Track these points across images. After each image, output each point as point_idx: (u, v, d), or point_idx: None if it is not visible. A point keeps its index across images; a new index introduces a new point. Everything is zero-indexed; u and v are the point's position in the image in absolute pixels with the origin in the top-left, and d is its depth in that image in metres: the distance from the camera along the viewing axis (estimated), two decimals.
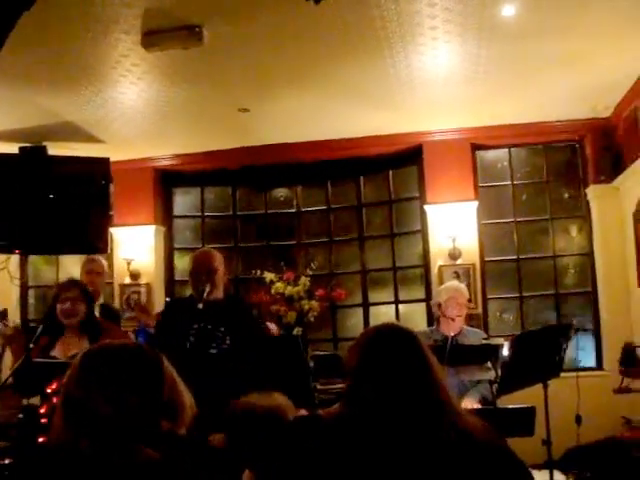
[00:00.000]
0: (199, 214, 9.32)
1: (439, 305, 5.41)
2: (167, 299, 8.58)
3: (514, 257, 8.39)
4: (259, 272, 8.58)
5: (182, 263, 9.19)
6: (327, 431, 2.26)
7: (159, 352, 1.99)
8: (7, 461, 3.92)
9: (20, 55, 5.44)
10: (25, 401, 4.39)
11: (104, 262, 6.68)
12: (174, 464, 1.79)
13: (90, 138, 7.95)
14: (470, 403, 4.89)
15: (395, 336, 2.35)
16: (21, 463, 3.74)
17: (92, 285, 5.80)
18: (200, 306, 4.41)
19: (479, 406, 4.78)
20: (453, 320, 5.27)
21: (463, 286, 5.69)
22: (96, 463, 1.74)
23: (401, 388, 2.20)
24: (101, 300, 6.56)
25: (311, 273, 8.65)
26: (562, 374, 4.86)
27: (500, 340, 5.11)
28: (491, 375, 4.70)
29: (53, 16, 4.97)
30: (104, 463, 1.74)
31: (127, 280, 8.78)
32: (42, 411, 4.18)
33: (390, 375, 2.22)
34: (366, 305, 8.81)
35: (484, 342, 5.19)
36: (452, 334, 5.04)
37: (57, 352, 4.63)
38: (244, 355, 4.21)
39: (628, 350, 4.20)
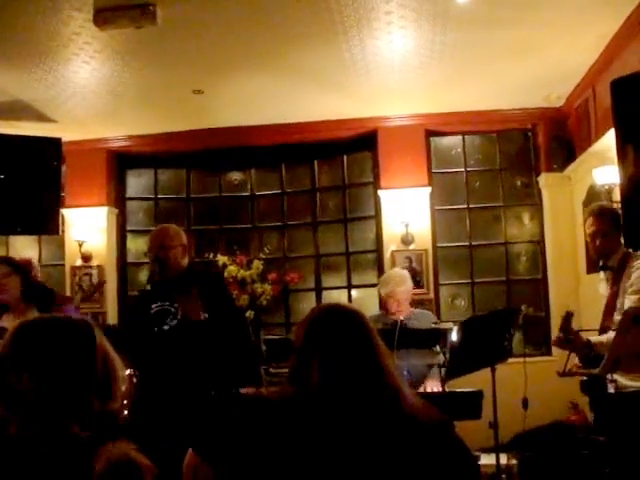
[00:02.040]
0: (152, 196, 9.24)
1: (382, 296, 5.43)
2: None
3: (466, 243, 8.47)
4: (212, 255, 8.54)
5: (135, 245, 9.12)
6: (270, 410, 2.26)
7: (92, 324, 1.96)
8: None
9: None
10: None
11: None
12: (104, 442, 1.76)
13: (41, 117, 7.82)
14: (432, 385, 4.94)
15: (341, 316, 2.35)
16: None
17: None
18: (148, 287, 4.40)
19: (439, 388, 4.79)
20: (393, 314, 5.29)
21: (404, 277, 5.57)
22: (22, 442, 1.72)
23: (345, 369, 2.19)
24: None
25: (264, 257, 8.65)
26: (510, 359, 4.92)
27: (449, 324, 5.14)
28: (440, 359, 4.75)
29: None
30: (31, 442, 1.72)
31: (79, 262, 8.68)
32: None
33: (335, 355, 2.21)
34: (319, 289, 8.83)
35: (433, 326, 5.21)
36: (401, 318, 5.07)
37: (8, 324, 4.56)
38: (196, 330, 4.17)
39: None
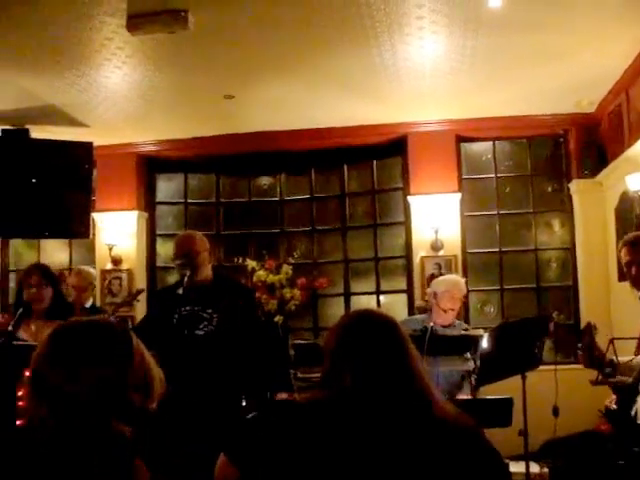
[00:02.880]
0: (182, 200, 9.28)
1: (435, 294, 5.39)
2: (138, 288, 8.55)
3: (496, 250, 8.41)
4: (241, 260, 8.56)
5: (164, 249, 9.16)
6: (302, 416, 2.26)
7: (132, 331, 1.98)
8: None
9: (4, 37, 5.40)
10: None
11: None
12: (146, 439, 1.79)
13: (73, 122, 7.89)
14: (462, 391, 4.91)
15: (373, 321, 2.35)
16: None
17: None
18: (180, 291, 4.42)
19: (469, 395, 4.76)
20: (445, 312, 5.26)
21: (463, 282, 5.64)
22: (65, 441, 1.73)
23: (376, 374, 2.19)
24: (89, 303, 6.54)
25: (293, 262, 8.65)
26: (541, 367, 4.88)
27: (479, 331, 5.12)
28: (470, 366, 4.72)
29: None
30: (74, 440, 1.73)
31: (109, 266, 8.74)
32: (19, 394, 4.17)
33: (366, 360, 2.21)
34: (347, 295, 8.82)
35: (463, 333, 5.19)
36: (442, 325, 5.06)
37: (27, 336, 4.60)
38: (229, 338, 4.20)
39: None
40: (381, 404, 2.16)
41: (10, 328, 4.55)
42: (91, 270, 6.93)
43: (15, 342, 4.41)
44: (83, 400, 1.76)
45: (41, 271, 4.84)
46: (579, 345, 4.12)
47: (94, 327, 1.91)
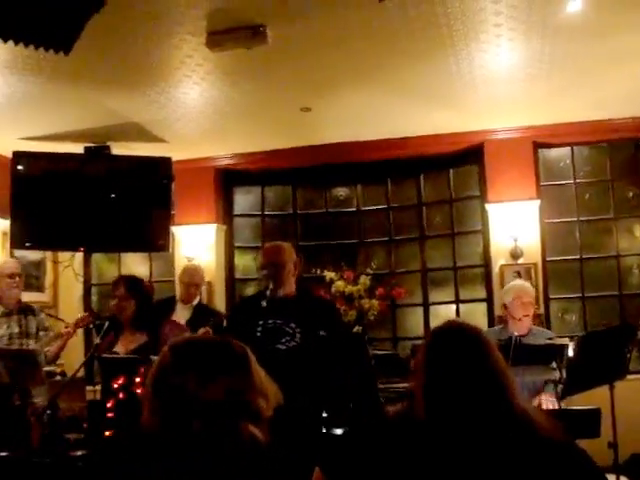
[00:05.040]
0: (259, 213, 9.38)
1: (505, 306, 5.35)
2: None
3: (577, 257, 8.27)
4: (319, 271, 8.60)
5: (242, 261, 9.27)
6: (397, 432, 2.26)
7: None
8: (79, 453, 4.01)
9: (87, 56, 5.52)
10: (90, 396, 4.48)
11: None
12: (276, 444, 1.84)
13: (152, 138, 8.05)
14: (547, 402, 4.83)
15: (462, 334, 2.35)
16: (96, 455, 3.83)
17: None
18: (264, 304, 4.43)
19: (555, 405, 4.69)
20: (520, 320, 5.22)
21: (528, 285, 5.61)
22: (203, 446, 1.78)
23: (467, 387, 2.20)
24: (196, 301, 6.72)
25: (371, 272, 8.64)
26: (629, 376, 4.78)
27: (565, 340, 5.05)
28: (556, 376, 4.65)
29: (119, 17, 5.02)
30: (213, 444, 1.77)
31: None
32: (108, 406, 4.26)
33: (456, 374, 2.22)
34: (426, 304, 8.78)
35: (549, 342, 5.12)
36: (517, 334, 4.99)
37: (119, 348, 4.71)
38: (313, 353, 4.20)
39: None
40: (472, 416, 2.16)
41: (98, 341, 4.66)
42: (200, 268, 7.17)
43: (103, 355, 4.52)
44: (214, 406, 1.80)
45: (126, 283, 4.95)
46: None
47: (211, 340, 1.97)
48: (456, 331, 2.38)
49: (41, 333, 5.70)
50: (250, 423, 1.82)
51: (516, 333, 5.02)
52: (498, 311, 7.78)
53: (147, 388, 1.90)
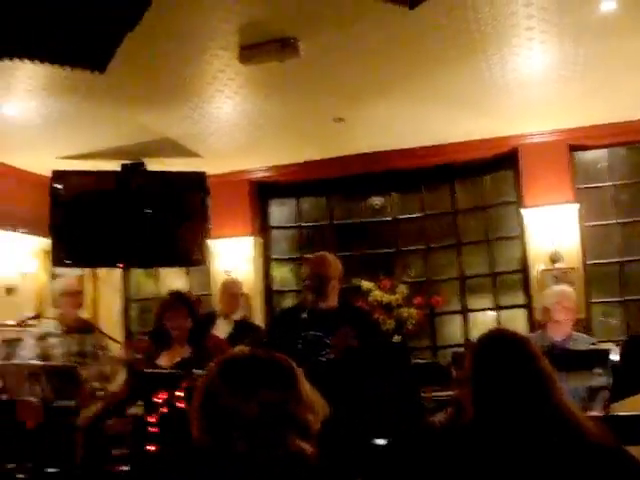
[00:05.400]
0: (295, 224, 9.41)
1: (546, 309, 5.29)
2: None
3: (617, 260, 8.17)
4: (356, 281, 8.58)
5: (279, 273, 9.28)
6: (442, 442, 2.25)
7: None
8: (124, 468, 4.02)
9: (120, 74, 5.59)
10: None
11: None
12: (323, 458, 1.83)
13: (187, 153, 8.11)
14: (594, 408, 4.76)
15: (508, 342, 2.34)
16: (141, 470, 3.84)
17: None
18: (304, 315, 4.41)
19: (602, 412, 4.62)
20: (560, 323, 5.15)
21: (570, 289, 5.53)
22: (252, 461, 1.78)
23: (515, 394, 2.19)
24: (237, 316, 6.73)
25: (408, 280, 8.61)
26: None
27: (609, 345, 4.98)
28: (601, 381, 4.58)
29: (152, 36, 5.08)
30: (260, 461, 1.78)
31: None
32: (151, 421, 4.28)
33: (503, 381, 2.21)
34: (465, 312, 8.73)
35: (592, 347, 5.05)
36: (557, 338, 4.93)
37: (162, 361, 4.71)
38: (353, 364, 4.18)
39: None
40: (521, 423, 2.14)
41: (138, 356, 4.67)
42: (239, 281, 7.21)
43: (146, 370, 4.54)
44: (262, 421, 1.80)
45: (185, 302, 4.91)
46: None
47: (258, 355, 1.97)
48: (502, 339, 2.37)
49: (99, 352, 5.70)
50: (298, 438, 1.81)
51: (556, 338, 4.97)
52: (538, 316, 7.71)
53: (195, 404, 1.90)
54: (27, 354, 5.54)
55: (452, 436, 2.21)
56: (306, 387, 1.93)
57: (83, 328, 5.77)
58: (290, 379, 1.91)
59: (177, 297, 4.95)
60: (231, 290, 6.83)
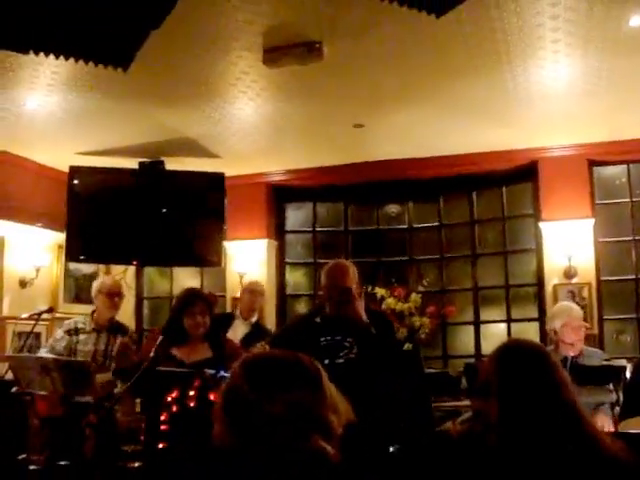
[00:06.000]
0: (311, 229, 9.41)
1: (555, 332, 5.24)
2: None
3: (632, 277, 8.12)
4: (370, 288, 8.55)
5: (294, 277, 9.29)
6: (456, 448, 2.24)
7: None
8: (137, 464, 4.02)
9: (143, 73, 5.58)
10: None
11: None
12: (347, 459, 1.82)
13: (206, 153, 8.12)
14: (603, 424, 4.73)
15: (526, 352, 2.32)
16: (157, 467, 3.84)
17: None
18: (318, 320, 4.40)
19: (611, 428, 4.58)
20: (572, 345, 5.10)
21: (576, 307, 5.45)
22: (275, 462, 1.77)
23: (533, 405, 2.17)
24: (255, 318, 6.71)
25: (422, 289, 8.59)
26: None
27: (622, 362, 4.94)
28: (612, 398, 4.56)
29: (176, 34, 5.08)
30: (283, 461, 1.77)
31: (239, 294, 8.86)
32: (162, 419, 4.27)
33: (522, 392, 2.19)
34: (477, 323, 8.70)
35: (605, 363, 5.01)
36: (571, 354, 4.90)
37: (180, 354, 4.68)
38: (368, 367, 4.17)
39: None
40: (540, 435, 2.13)
41: (152, 354, 4.66)
42: (261, 283, 7.20)
43: (159, 368, 4.53)
44: (285, 421, 1.80)
45: (205, 301, 4.90)
46: None
47: (283, 356, 1.97)
48: (527, 349, 2.35)
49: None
50: (321, 438, 1.80)
51: (569, 354, 4.93)
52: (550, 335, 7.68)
53: (219, 404, 1.90)
54: (56, 345, 5.62)
55: (474, 446, 2.19)
56: (331, 388, 1.92)
57: (115, 329, 5.78)
58: (315, 380, 1.90)
59: (196, 294, 4.95)
60: (251, 288, 6.84)
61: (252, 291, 6.77)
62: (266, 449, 1.77)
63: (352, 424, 1.94)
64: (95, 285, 5.92)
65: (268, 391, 1.83)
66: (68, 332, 5.70)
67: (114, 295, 5.81)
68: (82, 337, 5.69)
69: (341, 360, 4.26)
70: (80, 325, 5.74)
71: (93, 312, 5.81)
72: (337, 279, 4.35)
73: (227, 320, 6.63)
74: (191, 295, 4.92)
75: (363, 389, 3.95)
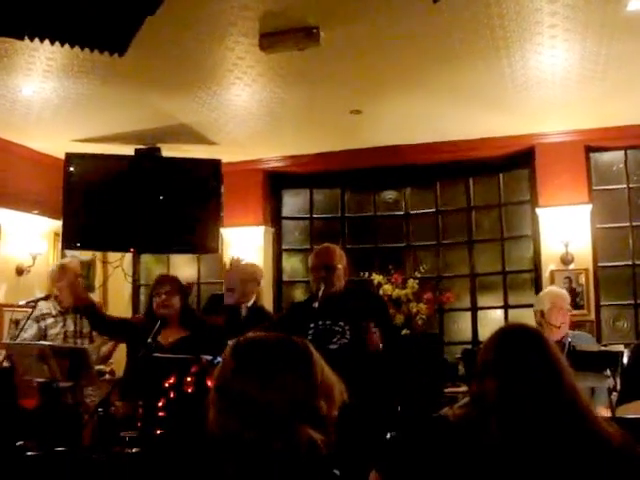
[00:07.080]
0: (307, 215, 9.40)
1: (542, 313, 5.24)
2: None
3: (629, 263, 8.12)
4: (367, 274, 8.56)
5: (290, 264, 9.28)
6: (455, 432, 2.24)
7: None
8: (134, 450, 4.04)
9: (139, 59, 5.55)
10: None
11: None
12: (334, 446, 1.82)
13: (203, 140, 8.10)
14: (599, 410, 4.73)
15: (523, 333, 2.32)
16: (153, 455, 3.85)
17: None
18: (315, 305, 4.44)
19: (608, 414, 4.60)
20: (558, 327, 5.11)
21: (564, 291, 5.51)
22: (262, 450, 1.77)
23: (530, 389, 2.17)
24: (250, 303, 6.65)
25: (419, 276, 8.59)
26: None
27: (620, 347, 4.95)
28: (609, 383, 4.56)
29: (172, 20, 5.06)
30: (270, 449, 1.77)
31: None
32: (160, 405, 4.28)
33: (519, 376, 2.19)
34: (474, 309, 8.71)
35: (603, 349, 5.02)
36: (556, 339, 4.91)
37: (160, 338, 4.74)
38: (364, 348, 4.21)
39: None
40: (536, 420, 2.13)
41: (149, 340, 4.68)
42: (257, 265, 6.97)
43: (155, 354, 4.54)
44: (276, 408, 1.79)
45: (171, 280, 5.03)
46: None
47: (273, 339, 1.96)
48: (525, 332, 2.35)
49: (94, 333, 5.76)
50: (309, 426, 1.80)
51: (554, 338, 4.93)
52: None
53: (212, 390, 1.90)
54: (27, 336, 5.63)
55: (473, 429, 2.19)
56: (324, 369, 1.92)
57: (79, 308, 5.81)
58: (306, 361, 1.89)
59: (164, 275, 5.07)
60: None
61: (245, 280, 6.62)
62: (255, 438, 1.77)
63: (348, 406, 1.93)
64: (54, 268, 5.99)
65: (257, 378, 1.83)
66: (36, 319, 5.75)
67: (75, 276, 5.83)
68: (49, 321, 5.74)
69: (334, 346, 4.30)
70: (45, 310, 5.80)
71: (56, 296, 5.82)
72: (322, 257, 4.48)
73: (215, 301, 6.60)
74: (159, 276, 5.07)
75: (359, 374, 3.98)
